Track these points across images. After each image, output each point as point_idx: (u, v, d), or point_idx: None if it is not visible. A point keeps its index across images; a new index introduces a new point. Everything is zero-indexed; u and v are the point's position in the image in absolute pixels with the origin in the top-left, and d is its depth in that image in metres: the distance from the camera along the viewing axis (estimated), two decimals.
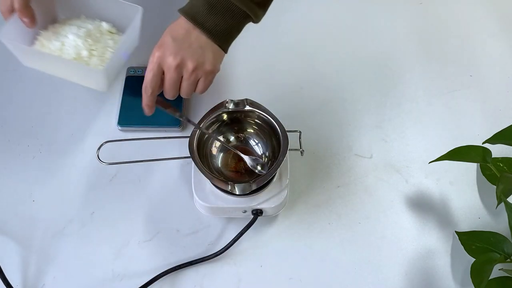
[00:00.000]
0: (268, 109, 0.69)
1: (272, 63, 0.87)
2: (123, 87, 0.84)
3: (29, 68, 0.88)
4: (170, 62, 0.63)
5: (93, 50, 0.72)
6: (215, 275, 0.71)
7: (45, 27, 0.75)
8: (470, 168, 0.80)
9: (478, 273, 0.64)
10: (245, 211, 0.69)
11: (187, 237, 0.73)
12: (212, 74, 0.67)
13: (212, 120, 0.70)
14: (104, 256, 0.72)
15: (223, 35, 0.65)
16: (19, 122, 0.82)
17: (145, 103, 0.66)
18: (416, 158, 0.81)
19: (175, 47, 0.63)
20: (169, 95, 0.67)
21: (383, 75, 0.89)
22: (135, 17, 0.71)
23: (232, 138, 0.73)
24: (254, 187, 0.66)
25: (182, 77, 0.65)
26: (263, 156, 0.72)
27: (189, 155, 0.65)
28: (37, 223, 0.74)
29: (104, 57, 0.72)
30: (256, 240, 0.73)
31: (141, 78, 0.66)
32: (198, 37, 0.64)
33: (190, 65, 0.64)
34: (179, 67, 0.64)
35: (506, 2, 0.99)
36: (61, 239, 0.73)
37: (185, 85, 0.66)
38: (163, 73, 0.65)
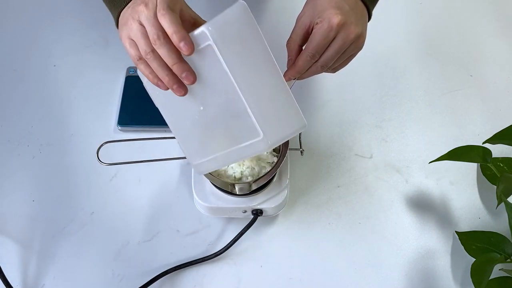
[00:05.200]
0: None
1: None
2: (123, 87, 0.84)
3: (29, 68, 0.88)
4: (352, 31, 0.56)
5: None
6: (215, 275, 0.71)
7: None
8: (470, 168, 0.80)
9: (478, 273, 0.64)
10: (245, 211, 0.69)
11: (187, 237, 0.73)
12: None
13: None
14: (104, 256, 0.72)
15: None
16: (19, 122, 0.82)
17: (301, 69, 0.59)
18: (416, 158, 0.81)
19: (356, 17, 0.57)
20: (328, 66, 0.59)
21: (383, 75, 0.89)
22: None
23: None
24: (254, 187, 0.66)
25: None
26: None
27: None
28: (37, 223, 0.74)
29: None
30: (256, 240, 0.73)
31: None
32: (362, 8, 0.60)
33: (362, 39, 0.59)
34: (357, 38, 0.57)
35: (506, 2, 0.99)
36: (61, 239, 0.73)
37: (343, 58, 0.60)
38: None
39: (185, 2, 0.55)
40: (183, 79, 0.51)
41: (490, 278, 0.63)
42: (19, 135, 0.81)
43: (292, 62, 0.60)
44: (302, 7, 0.60)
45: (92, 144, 0.78)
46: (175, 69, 0.50)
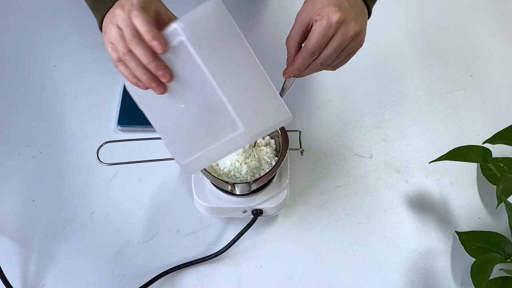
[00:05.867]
0: None
1: (271, 63, 0.87)
2: (123, 87, 0.84)
3: (29, 68, 0.88)
4: (351, 28, 0.56)
5: None
6: (215, 275, 0.71)
7: None
8: (470, 168, 0.80)
9: (478, 273, 0.64)
10: (245, 211, 0.69)
11: (187, 237, 0.73)
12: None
13: None
14: (104, 256, 0.72)
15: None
16: (19, 122, 0.82)
17: (300, 66, 0.59)
18: (416, 158, 0.81)
19: (355, 14, 0.57)
20: (327, 63, 0.59)
21: (383, 75, 0.89)
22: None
23: None
24: (254, 187, 0.66)
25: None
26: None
27: None
28: (37, 223, 0.74)
29: None
30: (256, 240, 0.73)
31: None
32: (362, 5, 0.60)
33: (361, 36, 0.59)
34: (356, 35, 0.57)
35: (506, 2, 0.99)
36: (61, 239, 0.73)
37: (343, 55, 0.60)
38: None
39: (163, 4, 0.56)
40: (160, 77, 0.51)
41: (490, 278, 0.63)
42: (19, 135, 0.81)
43: (291, 60, 0.60)
44: (301, 5, 0.60)
45: (92, 144, 0.78)
46: (151, 67, 0.50)
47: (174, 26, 0.49)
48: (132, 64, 0.51)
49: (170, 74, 0.51)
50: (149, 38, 0.49)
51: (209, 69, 0.49)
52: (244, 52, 0.51)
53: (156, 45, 0.49)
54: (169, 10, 0.56)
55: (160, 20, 0.54)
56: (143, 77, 0.51)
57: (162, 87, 0.52)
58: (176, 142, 0.58)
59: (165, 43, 0.49)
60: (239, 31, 0.50)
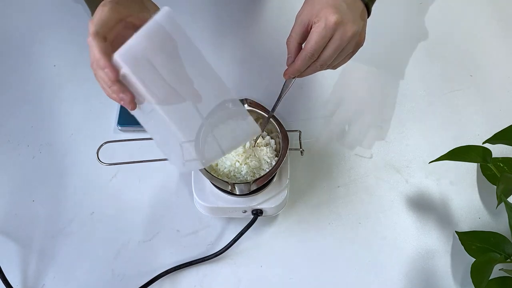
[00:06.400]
0: (268, 109, 0.69)
1: (272, 63, 0.87)
2: None
3: (29, 68, 0.88)
4: (348, 29, 0.57)
5: None
6: (215, 275, 0.71)
7: None
8: (470, 168, 0.80)
9: (478, 273, 0.64)
10: (245, 211, 0.69)
11: (187, 237, 0.73)
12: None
13: None
14: (104, 256, 0.72)
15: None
16: (19, 122, 0.82)
17: (300, 67, 0.60)
18: (416, 158, 0.81)
19: (353, 15, 0.58)
20: (327, 64, 0.60)
21: (383, 75, 0.89)
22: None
23: None
24: (254, 187, 0.66)
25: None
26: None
27: None
28: (37, 223, 0.74)
29: None
30: (256, 240, 0.73)
31: None
32: (360, 6, 0.60)
33: (360, 36, 0.59)
34: (354, 36, 0.58)
35: (506, 2, 0.99)
36: (61, 239, 0.73)
37: (342, 55, 0.60)
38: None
39: (137, 5, 0.54)
40: (121, 99, 0.51)
41: (490, 278, 0.63)
42: (19, 135, 0.81)
43: (291, 60, 0.60)
44: (301, 5, 0.60)
45: (92, 144, 0.78)
46: (113, 90, 0.51)
47: (114, 57, 0.48)
48: (101, 82, 0.52)
49: (129, 96, 0.51)
50: (101, 66, 0.49)
51: (153, 98, 0.48)
52: (200, 65, 0.49)
53: (106, 74, 0.49)
54: (148, 8, 0.54)
55: (136, 26, 0.52)
56: (112, 95, 0.52)
57: (130, 104, 0.52)
58: (161, 146, 0.58)
59: (115, 72, 0.49)
60: (194, 43, 0.48)
